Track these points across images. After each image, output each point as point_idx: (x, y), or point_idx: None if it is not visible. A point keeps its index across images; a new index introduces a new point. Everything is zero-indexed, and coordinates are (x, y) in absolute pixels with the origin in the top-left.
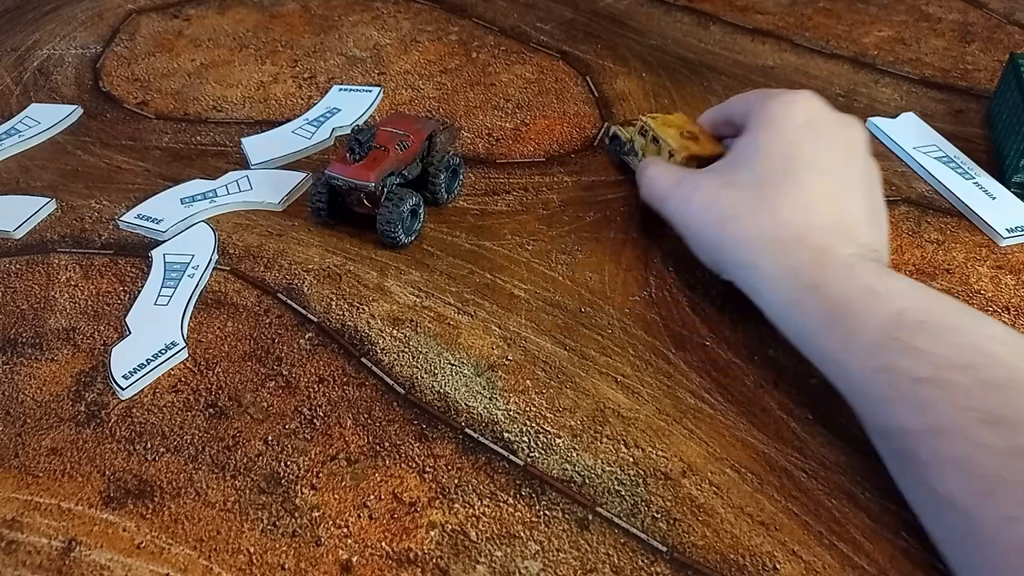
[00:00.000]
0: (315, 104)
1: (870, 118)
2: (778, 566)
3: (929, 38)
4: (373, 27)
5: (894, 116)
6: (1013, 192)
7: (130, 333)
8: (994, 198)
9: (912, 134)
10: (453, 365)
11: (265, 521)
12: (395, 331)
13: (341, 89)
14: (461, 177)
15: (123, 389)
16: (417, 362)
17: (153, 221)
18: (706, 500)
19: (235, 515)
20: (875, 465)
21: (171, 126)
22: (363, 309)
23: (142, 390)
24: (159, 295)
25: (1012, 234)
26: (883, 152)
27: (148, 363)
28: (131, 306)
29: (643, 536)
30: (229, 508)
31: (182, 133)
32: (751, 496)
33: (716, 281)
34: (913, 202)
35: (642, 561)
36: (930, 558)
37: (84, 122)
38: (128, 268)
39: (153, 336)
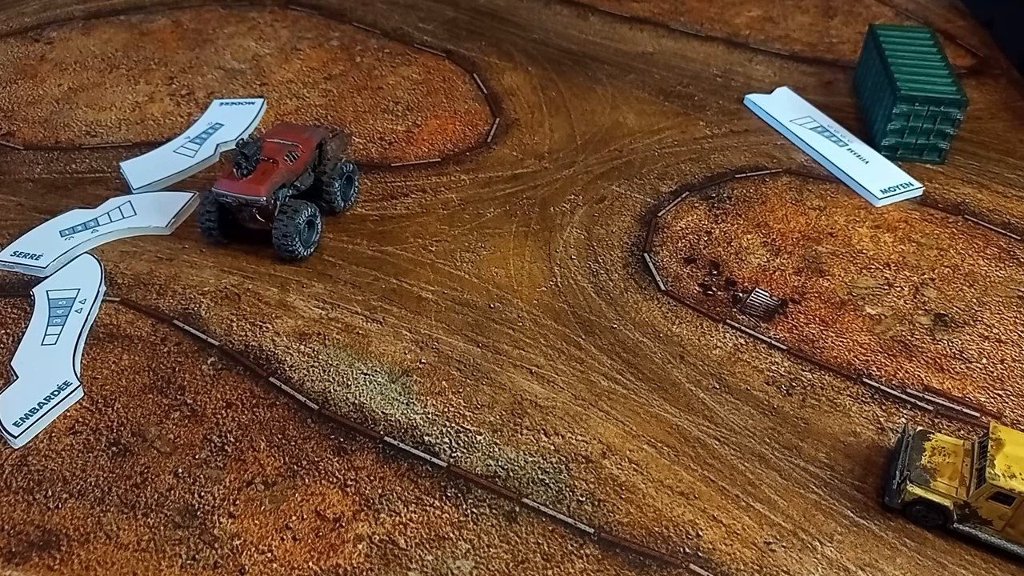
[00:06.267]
0: (196, 121)
1: (747, 95)
2: (700, 533)
3: (795, 15)
4: (250, 37)
5: (770, 92)
6: (884, 155)
7: (17, 378)
8: (867, 162)
9: (788, 108)
10: (366, 374)
11: (184, 556)
12: (302, 346)
13: (222, 103)
14: (357, 184)
15: (15, 437)
16: (329, 375)
17: (31, 257)
18: (627, 478)
19: (151, 554)
20: (779, 426)
21: (42, 156)
22: (266, 327)
23: (37, 436)
24: (46, 334)
25: (886, 195)
26: (762, 127)
27: (40, 407)
28: (16, 349)
29: (570, 521)
30: (144, 547)
31: (55, 162)
32: (669, 468)
33: (617, 264)
34: (794, 172)
35: (572, 545)
36: (841, 508)
37: None
38: (9, 310)
39: (43, 378)
